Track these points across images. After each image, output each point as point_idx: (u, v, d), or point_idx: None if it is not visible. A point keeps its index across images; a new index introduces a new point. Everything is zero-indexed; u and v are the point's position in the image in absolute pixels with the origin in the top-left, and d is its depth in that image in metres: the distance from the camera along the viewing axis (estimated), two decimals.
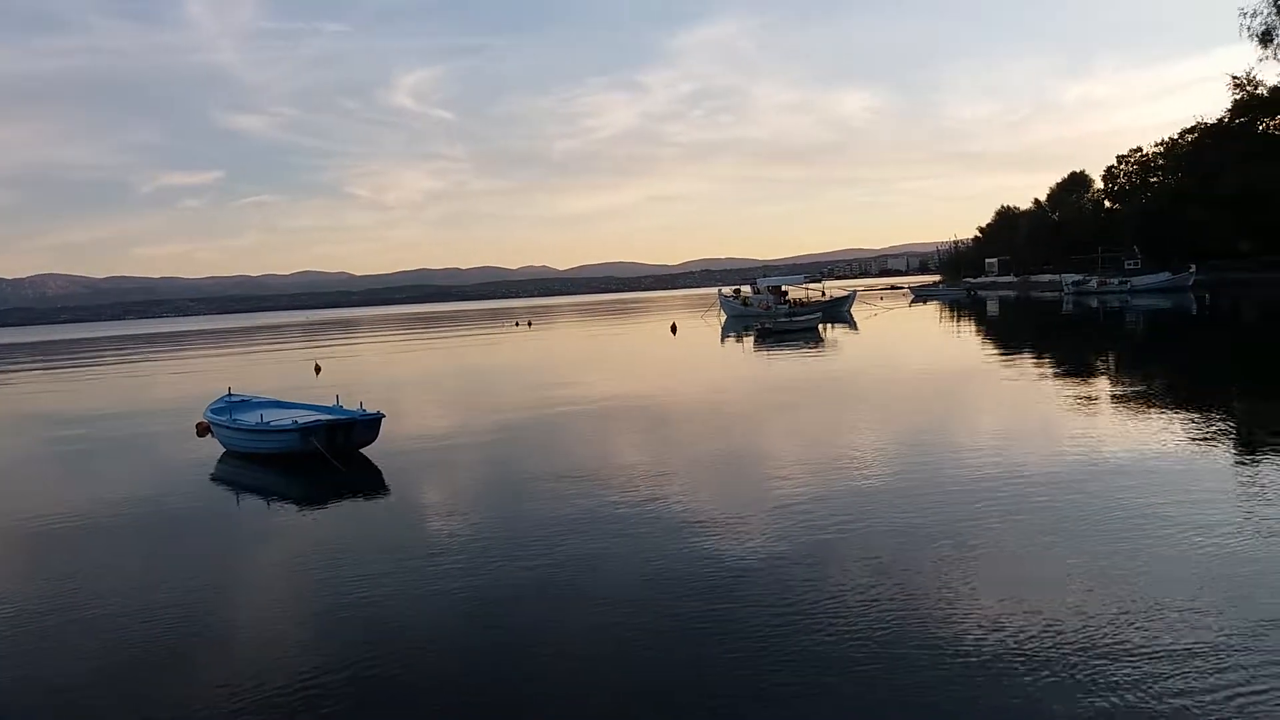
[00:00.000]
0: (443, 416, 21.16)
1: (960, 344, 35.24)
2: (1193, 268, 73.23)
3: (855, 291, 72.00)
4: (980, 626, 6.62)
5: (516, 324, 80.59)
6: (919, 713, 5.52)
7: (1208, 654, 5.97)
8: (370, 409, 15.98)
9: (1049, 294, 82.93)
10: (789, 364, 29.95)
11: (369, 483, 13.52)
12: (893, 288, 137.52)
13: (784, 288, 67.31)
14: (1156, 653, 6.03)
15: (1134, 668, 5.84)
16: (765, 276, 74.36)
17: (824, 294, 68.44)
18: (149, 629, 7.70)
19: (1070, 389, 19.46)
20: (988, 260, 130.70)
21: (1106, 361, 26.51)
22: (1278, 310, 43.90)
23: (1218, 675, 5.68)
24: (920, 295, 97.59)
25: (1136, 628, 6.44)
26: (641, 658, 6.55)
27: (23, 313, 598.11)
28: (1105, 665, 5.89)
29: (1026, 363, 25.85)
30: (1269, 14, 71.90)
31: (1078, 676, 5.77)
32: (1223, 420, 14.49)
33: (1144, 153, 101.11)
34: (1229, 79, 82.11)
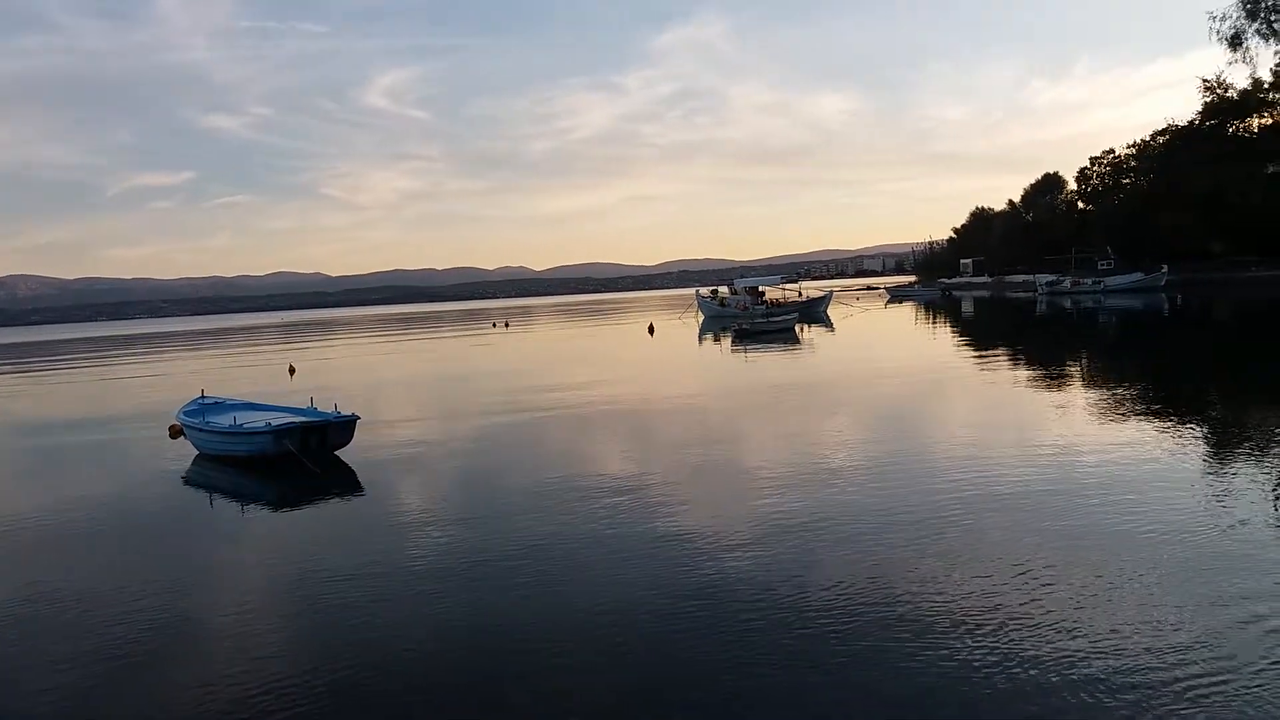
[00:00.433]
0: (418, 418, 21.05)
1: (936, 344, 35.46)
2: (1164, 268, 74.14)
3: (832, 292, 72.38)
4: (961, 623, 6.64)
5: (494, 325, 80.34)
6: (904, 708, 5.53)
7: (1170, 649, 6.02)
8: (345, 411, 15.88)
9: (1023, 294, 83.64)
10: (767, 364, 30.02)
11: (343, 485, 13.41)
12: (869, 288, 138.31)
13: (761, 288, 67.51)
14: (1123, 647, 6.07)
15: (1108, 663, 5.87)
16: (743, 277, 74.55)
17: (800, 294, 68.71)
18: (121, 632, 7.58)
19: (1044, 387, 19.62)
20: (962, 261, 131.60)
21: (1079, 360, 26.76)
22: (1248, 310, 44.51)
23: (1181, 669, 5.73)
24: (896, 296, 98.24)
25: (1109, 622, 6.48)
26: (622, 658, 6.51)
27: None
28: (1080, 656, 5.93)
29: (1001, 362, 26.04)
30: (1238, 17, 72.86)
31: (1058, 670, 5.80)
32: (1192, 417, 14.64)
33: (1116, 155, 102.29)
34: (1200, 82, 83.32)
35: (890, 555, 8.38)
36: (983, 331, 43.67)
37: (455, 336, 65.40)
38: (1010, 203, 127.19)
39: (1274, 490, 9.88)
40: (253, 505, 12.80)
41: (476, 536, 9.95)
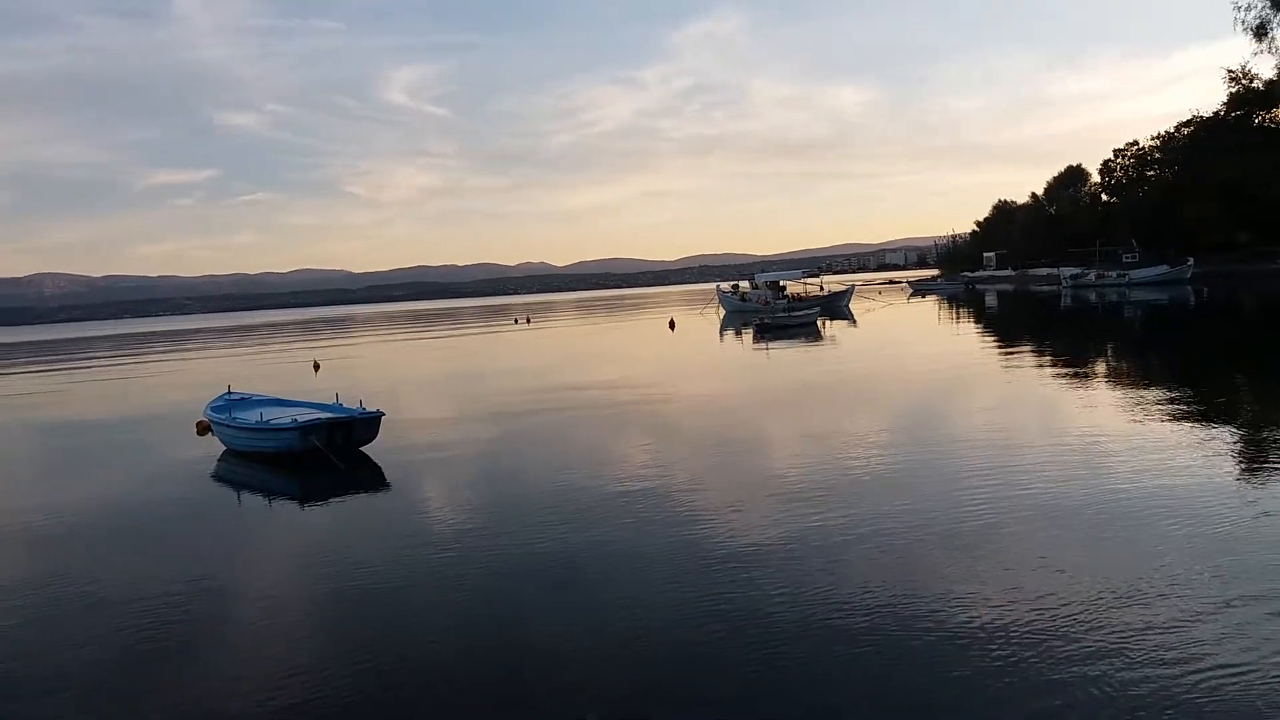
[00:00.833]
0: (443, 414, 21.19)
1: (959, 338, 35.29)
2: (1190, 260, 73.29)
3: (853, 286, 71.98)
4: (988, 620, 6.64)
5: (516, 321, 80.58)
6: (928, 700, 5.56)
7: (1200, 641, 6.00)
8: (370, 407, 16.01)
9: (1047, 287, 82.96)
10: (788, 359, 29.99)
11: (369, 480, 13.54)
12: (891, 282, 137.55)
13: (782, 283, 67.37)
14: (1153, 640, 6.06)
15: (1137, 656, 5.87)
16: (764, 272, 74.38)
17: (822, 289, 68.46)
18: (150, 625, 7.71)
19: (1070, 381, 19.50)
20: (985, 254, 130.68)
21: (1106, 354, 26.58)
22: (1274, 301, 43.98)
23: (1211, 660, 5.71)
24: (919, 290, 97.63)
25: (1138, 616, 6.46)
26: (642, 653, 6.55)
27: (21, 312, 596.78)
28: (1108, 649, 5.93)
29: (1026, 356, 25.90)
30: (1263, 7, 71.93)
31: (1086, 665, 5.80)
32: (1222, 410, 14.54)
33: (1140, 146, 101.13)
34: (1224, 72, 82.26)
35: (916, 551, 8.38)
36: (1007, 325, 43.42)
37: (478, 333, 65.68)
38: (1033, 195, 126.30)
39: None
40: (280, 500, 12.95)
41: (500, 531, 10.03)
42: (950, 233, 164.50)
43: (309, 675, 6.49)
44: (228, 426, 16.46)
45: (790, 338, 37.94)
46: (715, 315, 63.57)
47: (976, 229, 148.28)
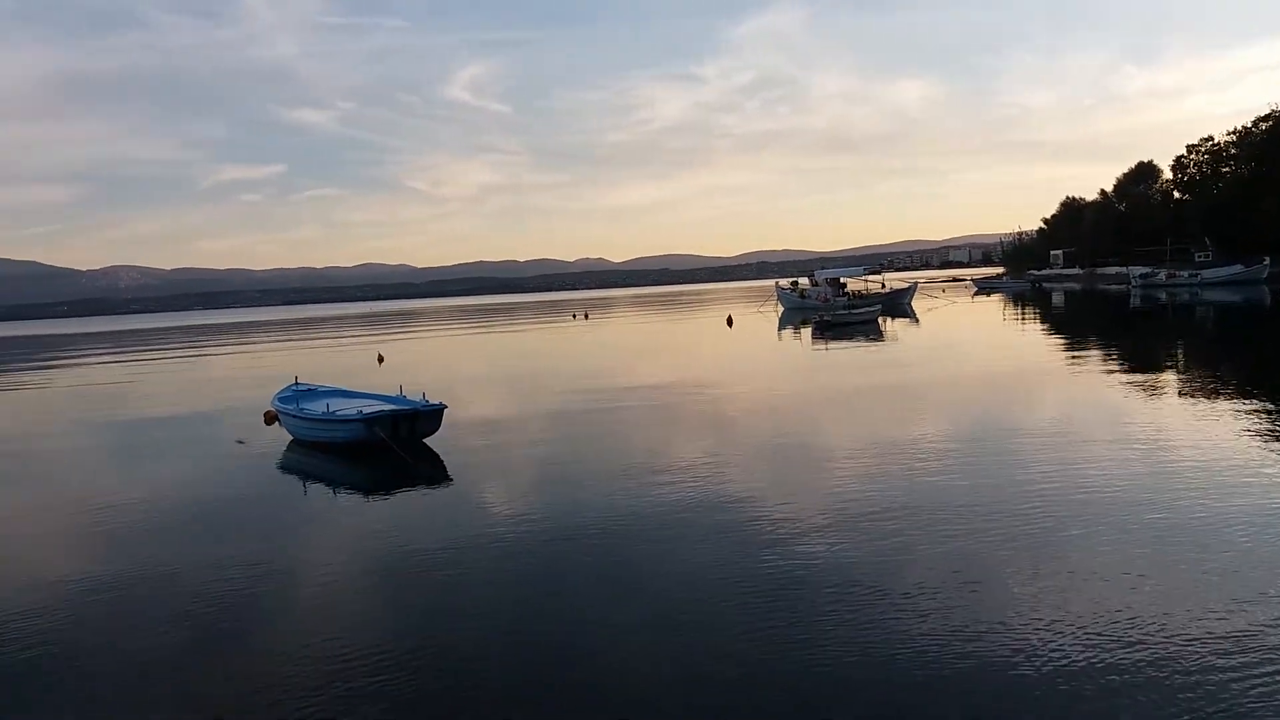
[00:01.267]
0: (503, 407, 21.45)
1: (1026, 337, 34.68)
2: (1266, 260, 71.00)
3: (916, 283, 71.02)
4: (1047, 621, 6.58)
5: (574, 316, 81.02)
6: (984, 701, 5.53)
7: (1264, 649, 5.89)
8: (432, 399, 16.27)
9: (1115, 287, 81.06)
10: (848, 357, 29.75)
11: (431, 472, 13.78)
12: (954, 280, 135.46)
13: (843, 279, 66.76)
14: (1212, 645, 5.96)
15: (1195, 661, 5.78)
16: (823, 268, 73.77)
17: (884, 286, 67.74)
18: (217, 607, 8.01)
19: (1137, 383, 19.07)
20: (1052, 252, 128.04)
21: (1175, 356, 25.92)
22: None
23: (1273, 666, 5.61)
24: (983, 287, 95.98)
25: (1199, 626, 6.36)
26: (695, 643, 6.62)
27: (95, 303, 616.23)
28: (1168, 653, 5.85)
29: (1094, 358, 25.37)
30: None
31: (1149, 669, 5.73)
32: None
33: (1215, 142, 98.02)
34: None
35: (974, 552, 8.32)
36: (1074, 325, 42.54)
37: (536, 327, 66.18)
38: (1102, 192, 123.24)
39: None
40: (344, 490, 13.24)
41: (558, 522, 10.17)
42: (1016, 230, 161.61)
43: (369, 656, 6.69)
44: (295, 417, 16.84)
45: (850, 336, 37.61)
46: (774, 312, 63.25)
47: (1043, 226, 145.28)
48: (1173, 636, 6.24)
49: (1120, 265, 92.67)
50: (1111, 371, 21.65)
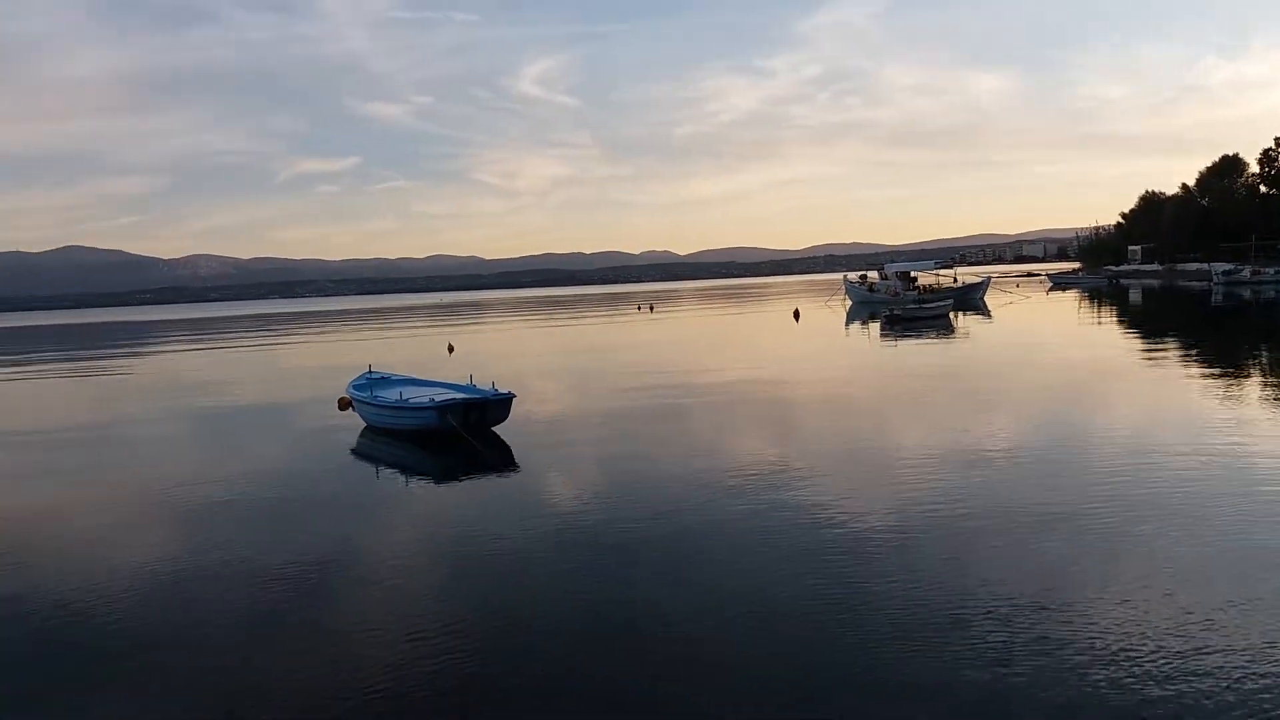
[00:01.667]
0: (569, 397, 21.63)
1: (1102, 335, 33.82)
2: None
3: (989, 278, 69.62)
4: (1120, 631, 6.47)
5: (639, 308, 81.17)
6: (1048, 697, 5.46)
7: None
8: (501, 389, 16.50)
9: (1196, 284, 78.54)
10: (918, 353, 29.37)
11: (500, 460, 13.98)
12: (1029, 275, 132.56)
13: (913, 273, 65.79)
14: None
15: (1262, 672, 5.64)
16: (893, 262, 72.75)
17: (956, 280, 66.60)
18: (290, 585, 8.29)
19: (1218, 385, 18.50)
20: (1130, 248, 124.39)
21: (1260, 357, 25.04)
22: None
23: None
24: (1059, 283, 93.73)
25: (1261, 635, 6.20)
26: (753, 642, 6.63)
27: (176, 291, 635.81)
28: (1227, 668, 5.71)
29: (1174, 357, 24.68)
30: None
31: (1223, 681, 5.61)
32: None
33: None
34: None
35: (1045, 557, 8.19)
36: (1153, 323, 41.37)
37: (601, 320, 66.47)
38: (1184, 186, 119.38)
39: None
40: (416, 477, 13.51)
41: (624, 515, 10.25)
42: (1094, 224, 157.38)
43: (434, 640, 6.86)
44: (368, 404, 17.21)
45: (920, 331, 37.09)
46: (841, 306, 62.64)
47: (1121, 221, 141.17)
48: (1230, 639, 6.09)
49: (1201, 261, 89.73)
50: (1193, 372, 21.04)
